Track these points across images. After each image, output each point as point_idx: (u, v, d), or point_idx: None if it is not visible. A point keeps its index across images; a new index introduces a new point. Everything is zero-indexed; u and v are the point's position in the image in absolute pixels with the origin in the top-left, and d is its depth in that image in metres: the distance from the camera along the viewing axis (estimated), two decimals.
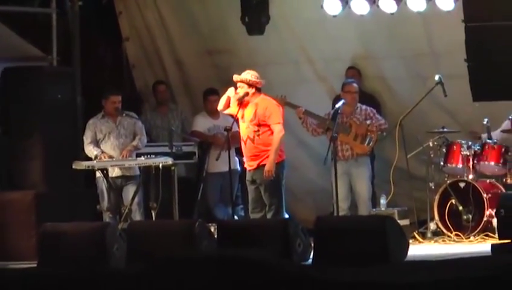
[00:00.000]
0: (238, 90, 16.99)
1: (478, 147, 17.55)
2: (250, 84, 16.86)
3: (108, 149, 17.93)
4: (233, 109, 17.16)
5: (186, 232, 15.93)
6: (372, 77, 19.60)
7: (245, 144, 17.14)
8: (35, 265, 15.79)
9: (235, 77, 17.11)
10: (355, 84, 18.08)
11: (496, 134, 17.91)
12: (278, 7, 20.10)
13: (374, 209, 17.55)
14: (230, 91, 17.15)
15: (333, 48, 19.92)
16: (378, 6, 18.31)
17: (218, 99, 18.02)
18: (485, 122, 17.21)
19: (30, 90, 19.25)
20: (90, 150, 18.01)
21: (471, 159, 17.52)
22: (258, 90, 16.99)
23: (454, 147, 17.65)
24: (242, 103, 16.99)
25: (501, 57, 16.65)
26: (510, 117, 17.45)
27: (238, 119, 17.24)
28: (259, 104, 16.96)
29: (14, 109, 19.50)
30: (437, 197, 17.43)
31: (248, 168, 17.05)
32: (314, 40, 20.14)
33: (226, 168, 17.53)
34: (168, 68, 21.41)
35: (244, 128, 17.07)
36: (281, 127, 16.91)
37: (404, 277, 14.25)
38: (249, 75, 17.05)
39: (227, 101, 17.23)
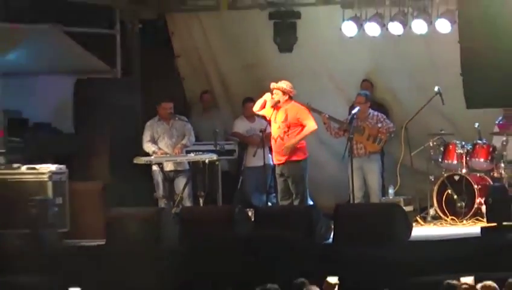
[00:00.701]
0: (274, 95, 17.41)
1: (470, 146, 17.91)
2: (284, 92, 17.28)
3: (163, 147, 18.33)
4: (267, 111, 17.57)
5: (228, 216, 16.48)
6: (382, 88, 19.84)
7: (275, 141, 17.45)
8: (103, 243, 16.30)
9: (273, 85, 17.44)
10: (362, 96, 18.30)
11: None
12: (304, 30, 20.49)
13: (384, 198, 18.02)
14: (267, 96, 17.50)
15: (350, 64, 20.04)
16: (387, 29, 18.68)
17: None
18: (476, 126, 17.61)
19: (98, 98, 19.62)
20: (148, 147, 18.44)
21: (464, 157, 17.84)
22: (290, 97, 17.36)
23: (450, 146, 18.03)
24: (275, 107, 17.45)
25: (490, 72, 16.19)
26: (496, 122, 18.12)
27: (270, 120, 17.57)
28: (290, 109, 17.38)
29: (85, 113, 19.90)
30: (436, 188, 17.89)
31: (277, 163, 17.51)
32: (334, 57, 20.36)
33: (261, 163, 17.93)
34: (213, 80, 21.51)
35: (276, 129, 17.40)
36: (314, 124, 17.55)
37: (408, 253, 14.70)
38: (284, 84, 17.48)
39: (263, 103, 17.57)
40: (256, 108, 17.77)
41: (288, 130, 17.37)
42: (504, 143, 17.87)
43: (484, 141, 17.84)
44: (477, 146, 17.91)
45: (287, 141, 17.36)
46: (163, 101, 18.73)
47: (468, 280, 9.74)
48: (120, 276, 14.35)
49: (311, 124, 17.55)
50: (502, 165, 17.71)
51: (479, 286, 9.37)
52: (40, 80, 21.25)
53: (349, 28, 18.90)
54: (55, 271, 14.85)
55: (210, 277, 13.67)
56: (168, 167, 18.61)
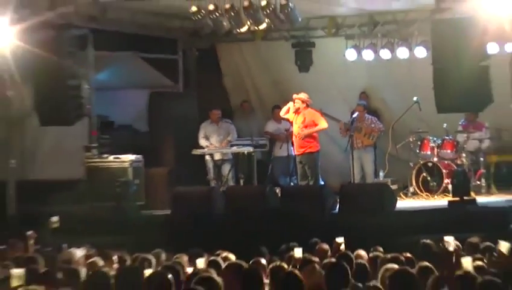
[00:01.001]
0: (295, 104, 18.24)
1: (440, 141, 18.61)
2: (303, 101, 18.17)
3: (213, 142, 19.31)
4: (290, 116, 18.41)
5: (261, 193, 17.59)
6: (375, 98, 20.75)
7: (296, 138, 18.46)
8: (169, 212, 17.78)
9: (295, 96, 18.35)
10: (360, 105, 19.34)
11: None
12: (317, 55, 20.99)
13: (376, 179, 18.85)
14: (290, 104, 18.38)
15: (351, 81, 20.94)
16: (379, 54, 19.56)
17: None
18: (444, 126, 18.51)
19: (165, 106, 21.26)
20: (202, 142, 19.47)
21: (435, 149, 18.62)
22: (307, 105, 18.27)
23: (425, 141, 18.80)
24: (296, 112, 18.30)
25: (455, 86, 15.75)
26: (460, 123, 19.00)
27: (292, 122, 18.48)
28: (307, 114, 18.22)
29: (156, 117, 21.40)
30: (414, 172, 18.64)
31: (297, 153, 18.51)
32: (340, 75, 21.14)
33: (286, 154, 19.26)
34: (250, 92, 22.36)
35: (296, 128, 18.30)
36: (326, 124, 18.52)
37: (394, 220, 16.24)
38: (303, 95, 18.39)
39: (288, 110, 18.45)
40: (282, 113, 18.72)
41: (303, 131, 18.43)
42: (465, 139, 18.89)
43: (450, 137, 18.73)
44: (445, 141, 18.73)
45: (303, 138, 18.53)
46: (213, 108, 19.96)
47: (450, 239, 10.07)
48: (182, 237, 15.29)
49: (323, 124, 18.42)
50: (464, 155, 18.59)
51: (449, 239, 9.83)
52: (123, 92, 23.14)
53: (350, 54, 19.83)
54: (133, 233, 16.16)
55: (248, 238, 14.60)
56: (217, 156, 19.64)
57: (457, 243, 10.75)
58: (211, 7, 16.87)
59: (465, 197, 16.25)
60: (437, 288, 7.36)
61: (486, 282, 6.70)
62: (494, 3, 15.49)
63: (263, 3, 16.54)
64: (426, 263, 8.76)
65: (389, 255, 10.15)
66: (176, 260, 10.59)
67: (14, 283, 8.63)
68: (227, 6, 16.74)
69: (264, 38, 20.86)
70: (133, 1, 19.05)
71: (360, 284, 7.83)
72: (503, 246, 9.85)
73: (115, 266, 10.71)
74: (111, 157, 18.95)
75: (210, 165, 19.37)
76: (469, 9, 15.77)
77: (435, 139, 18.66)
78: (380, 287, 7.52)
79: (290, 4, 16.48)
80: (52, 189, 18.57)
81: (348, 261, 9.09)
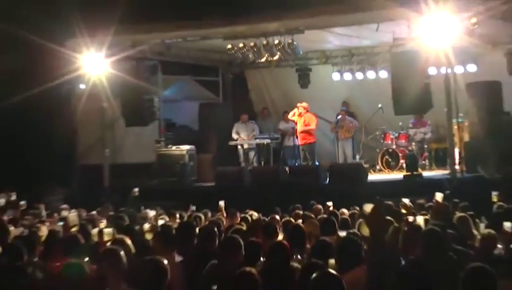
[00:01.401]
0: (299, 109, 19.28)
1: (397, 134, 19.45)
2: (304, 108, 19.13)
3: (242, 136, 19.89)
4: (295, 118, 19.24)
5: (276, 171, 18.42)
6: (353, 105, 21.04)
7: (299, 133, 19.22)
8: (213, 184, 18.54)
9: (299, 104, 19.46)
10: (342, 110, 19.99)
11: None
12: (313, 77, 21.47)
13: (353, 160, 19.48)
14: (295, 110, 19.35)
15: (336, 94, 21.38)
16: (355, 76, 20.51)
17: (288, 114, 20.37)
18: (400, 124, 19.24)
19: (211, 112, 22.01)
20: (235, 136, 20.03)
21: (394, 139, 19.40)
22: (307, 111, 19.21)
23: (387, 134, 19.55)
24: (299, 116, 19.18)
25: (407, 97, 15.95)
26: (410, 121, 19.31)
27: (296, 122, 19.23)
28: (307, 117, 19.19)
29: (204, 120, 22.04)
30: (379, 155, 19.36)
31: (300, 144, 19.37)
32: (328, 90, 21.60)
33: (292, 144, 19.54)
34: (267, 102, 22.78)
35: (299, 126, 19.15)
36: (314, 126, 19.34)
37: (367, 188, 16.53)
38: (304, 104, 19.28)
39: (294, 113, 19.31)
40: (289, 116, 19.60)
41: (304, 128, 19.26)
42: (414, 132, 19.32)
43: (404, 132, 19.36)
44: (401, 134, 19.46)
45: (304, 133, 19.26)
46: (242, 113, 20.63)
47: (406, 200, 11.76)
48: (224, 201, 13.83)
49: (313, 125, 19.32)
50: (413, 143, 19.19)
51: (406, 201, 11.57)
52: (182, 103, 23.80)
53: (335, 76, 20.89)
54: (189, 199, 15.61)
55: (266, 201, 14.67)
56: (245, 146, 20.23)
57: (410, 203, 11.70)
58: (241, 45, 17.64)
59: (414, 172, 17.03)
60: (396, 234, 7.58)
61: (429, 230, 6.90)
62: (432, 41, 15.46)
63: (276, 42, 17.20)
64: (389, 217, 8.88)
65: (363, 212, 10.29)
66: (218, 216, 11.32)
67: (106, 237, 9.05)
68: (252, 44, 17.46)
69: (277, 66, 21.25)
70: (187, 42, 19.31)
71: (344, 232, 8.02)
72: (438, 196, 10.56)
73: (177, 221, 11.35)
74: (173, 147, 19.65)
75: (240, 152, 20.14)
76: (416, 45, 16.00)
77: (394, 133, 19.50)
78: (358, 233, 7.88)
79: (294, 43, 17.10)
80: (134, 169, 19.40)
81: (335, 216, 9.90)
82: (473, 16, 15.12)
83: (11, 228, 9.99)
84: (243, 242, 7.28)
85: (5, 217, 11.97)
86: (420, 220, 9.00)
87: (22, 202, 14.64)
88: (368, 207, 7.84)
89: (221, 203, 12.44)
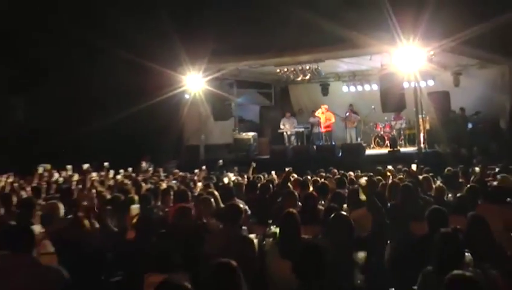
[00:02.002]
0: (322, 109, 19.04)
1: (383, 125, 19.22)
2: (326, 108, 18.86)
3: (287, 126, 19.33)
4: (320, 115, 19.00)
5: (307, 149, 18.48)
6: (355, 106, 19.81)
7: (322, 124, 18.89)
8: (268, 156, 18.51)
9: (322, 106, 19.33)
10: (349, 109, 19.35)
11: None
12: (331, 89, 21.30)
13: (357, 141, 18.83)
14: (319, 109, 19.13)
15: (345, 100, 20.51)
16: (356, 88, 20.52)
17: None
18: (385, 118, 19.12)
19: (266, 113, 22.30)
20: (282, 127, 19.45)
21: (382, 128, 19.21)
22: (328, 110, 18.86)
23: (377, 125, 19.46)
24: (322, 113, 18.93)
25: (390, 100, 16.45)
26: (392, 116, 18.93)
27: (320, 118, 18.94)
28: (327, 114, 18.88)
29: (263, 118, 22.43)
30: (373, 138, 19.26)
31: (323, 131, 18.95)
32: (340, 97, 20.99)
33: (318, 131, 19.41)
34: (302, 105, 22.27)
35: (323, 121, 18.82)
36: (334, 119, 18.89)
37: (365, 159, 16.63)
38: (326, 105, 19.03)
39: (319, 112, 18.92)
40: (316, 114, 19.27)
41: (325, 122, 18.93)
42: (395, 123, 19.00)
43: (388, 123, 19.15)
44: (386, 124, 19.20)
45: (325, 124, 18.91)
46: (287, 112, 20.23)
47: (390, 167, 12.14)
48: (274, 167, 14.41)
49: (332, 120, 18.91)
50: (394, 130, 18.93)
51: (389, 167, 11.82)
52: (249, 107, 22.93)
53: (344, 88, 20.88)
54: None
55: (302, 167, 14.28)
56: (288, 133, 19.68)
57: (392, 168, 12.08)
58: (285, 70, 18.05)
59: (395, 149, 17.19)
60: (383, 188, 7.79)
61: (405, 185, 6.81)
62: (405, 66, 15.58)
63: (307, 67, 17.65)
64: (379, 177, 9.64)
65: (363, 174, 11.13)
66: (272, 177, 11.20)
67: (199, 190, 9.27)
68: (292, 69, 17.86)
69: (308, 82, 20.60)
70: (252, 68, 19.22)
71: (350, 187, 8.29)
72: (413, 166, 10.53)
73: (245, 179, 11.23)
74: (244, 134, 19.85)
75: (285, 136, 19.83)
76: (395, 69, 15.87)
77: (381, 124, 19.56)
78: (358, 189, 7.50)
79: (319, 68, 17.60)
80: (219, 148, 19.81)
81: (345, 177, 9.91)
82: (432, 49, 15.37)
83: (143, 184, 10.15)
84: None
85: (140, 177, 12.53)
86: (399, 178, 9.33)
87: (150, 168, 15.98)
88: (363, 180, 8.25)
89: (273, 172, 12.49)
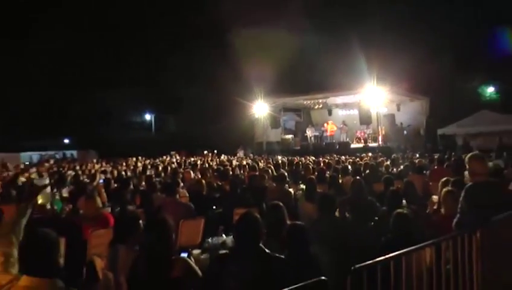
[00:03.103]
0: (329, 122, 22.81)
1: (360, 131, 22.68)
2: (331, 122, 22.82)
3: (309, 132, 22.72)
4: (327, 126, 22.78)
5: (320, 144, 22.10)
6: (346, 121, 23.38)
7: (329, 132, 22.58)
8: (299, 148, 21.19)
9: (329, 122, 22.97)
10: (343, 123, 21.97)
11: None
12: (333, 112, 25.18)
13: (346, 140, 22.08)
14: (326, 124, 22.80)
15: (340, 118, 24.20)
16: (348, 112, 23.97)
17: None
18: (361, 127, 22.29)
19: (299, 125, 25.43)
20: (307, 132, 22.64)
21: (359, 133, 22.74)
22: (332, 123, 22.70)
23: (357, 131, 22.96)
24: (327, 124, 22.76)
25: (364, 117, 19.85)
26: (365, 127, 21.63)
27: (327, 128, 22.73)
28: (331, 125, 22.80)
29: (297, 128, 25.61)
30: (355, 138, 22.60)
31: (329, 135, 22.69)
32: (337, 117, 24.52)
33: (326, 135, 22.73)
34: (318, 122, 25.08)
35: (329, 129, 22.68)
36: (335, 129, 22.13)
37: (351, 149, 18.92)
38: (331, 121, 22.87)
39: (328, 124, 22.47)
40: (325, 125, 23.07)
41: (330, 130, 22.73)
42: (366, 131, 22.11)
43: (362, 130, 22.33)
44: (362, 131, 22.34)
45: (330, 131, 22.63)
46: (309, 124, 23.80)
47: (364, 154, 12.99)
48: (308, 152, 16.68)
49: (334, 129, 22.56)
50: (366, 134, 22.22)
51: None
52: (288, 121, 26.01)
53: (340, 112, 24.80)
54: (293, 154, 17.82)
55: (316, 154, 15.78)
56: (310, 135, 22.80)
57: (365, 155, 13.54)
58: (308, 102, 23.52)
59: (366, 144, 20.94)
60: (360, 166, 8.07)
61: (371, 164, 7.26)
62: (373, 99, 19.45)
63: (319, 100, 23.15)
64: (358, 159, 10.97)
65: (349, 158, 12.36)
66: (302, 162, 10.89)
67: (262, 165, 9.88)
68: (312, 101, 23.27)
69: (320, 109, 24.87)
70: (291, 101, 23.49)
71: (342, 164, 8.49)
72: (370, 154, 11.71)
73: (286, 160, 11.64)
74: (286, 135, 23.74)
75: (308, 137, 22.97)
76: (366, 101, 19.88)
77: (359, 131, 23.01)
78: (347, 166, 7.95)
79: (326, 101, 23.08)
80: (274, 143, 23.35)
81: (339, 159, 11.01)
82: (386, 91, 19.52)
83: (214, 165, 11.22)
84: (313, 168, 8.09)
85: (234, 159, 14.32)
86: (368, 160, 10.32)
87: (242, 154, 19.57)
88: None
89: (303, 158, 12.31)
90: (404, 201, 5.23)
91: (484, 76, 30.13)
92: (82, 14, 28.68)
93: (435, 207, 4.92)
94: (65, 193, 7.59)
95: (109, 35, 30.24)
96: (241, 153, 21.27)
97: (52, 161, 19.10)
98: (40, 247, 2.14)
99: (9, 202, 5.86)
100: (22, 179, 9.18)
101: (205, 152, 18.74)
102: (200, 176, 8.37)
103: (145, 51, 32.24)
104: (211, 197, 6.57)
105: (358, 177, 5.85)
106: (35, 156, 26.72)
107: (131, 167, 12.58)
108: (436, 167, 8.52)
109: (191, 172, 8.78)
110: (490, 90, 32.17)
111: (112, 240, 3.49)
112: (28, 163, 19.50)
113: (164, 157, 17.87)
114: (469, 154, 3.86)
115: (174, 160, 15.97)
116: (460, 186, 4.09)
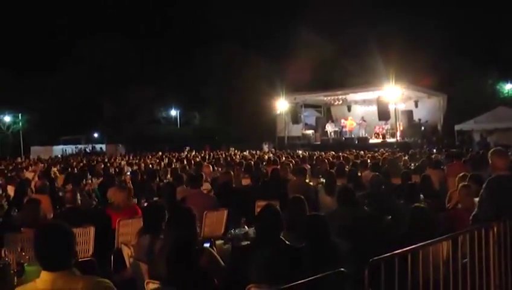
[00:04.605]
0: (348, 119, 22.99)
1: (379, 127, 22.41)
2: (351, 118, 22.83)
3: (329, 128, 22.93)
4: (346, 122, 23.00)
5: (339, 139, 22.12)
6: (365, 117, 23.20)
7: (349, 127, 22.79)
8: (319, 143, 21.34)
9: (348, 118, 23.01)
10: (362, 118, 22.10)
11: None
12: (352, 108, 24.78)
13: (365, 135, 22.11)
14: (346, 119, 22.92)
15: (359, 113, 23.89)
16: (367, 108, 23.43)
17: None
18: (380, 122, 22.01)
19: (319, 121, 25.42)
20: (327, 127, 22.81)
21: (379, 128, 22.45)
22: (352, 118, 22.76)
23: (376, 126, 22.67)
24: (346, 120, 22.99)
25: (383, 113, 19.59)
26: (384, 122, 21.30)
27: (346, 123, 22.98)
28: (350, 121, 23.00)
29: (317, 123, 25.48)
30: (373, 134, 22.45)
31: (348, 130, 22.86)
32: (357, 112, 24.24)
33: (346, 130, 22.99)
34: (338, 118, 25.13)
35: (348, 125, 22.96)
36: (355, 124, 22.36)
37: (370, 144, 19.41)
38: (350, 116, 22.94)
39: (346, 120, 22.78)
40: (345, 121, 23.26)
41: (349, 125, 22.91)
42: (384, 126, 22.01)
43: (381, 125, 22.25)
44: (380, 126, 22.37)
45: (349, 127, 22.83)
46: (329, 119, 23.96)
47: (382, 149, 13.73)
48: (327, 148, 17.40)
49: (354, 124, 22.78)
50: (384, 130, 22.07)
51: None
52: (309, 117, 25.96)
53: (360, 108, 24.50)
54: (313, 148, 18.83)
55: (335, 149, 16.07)
56: (330, 131, 22.99)
57: (383, 150, 14.23)
58: (329, 98, 22.99)
59: (384, 139, 21.16)
60: (379, 160, 8.00)
61: (390, 159, 7.38)
62: (391, 95, 19.36)
63: (340, 97, 22.38)
64: (377, 154, 10.76)
65: (368, 153, 12.43)
66: (321, 157, 10.81)
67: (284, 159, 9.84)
68: (332, 98, 22.74)
69: (340, 105, 24.26)
70: (311, 98, 23.38)
71: (361, 159, 8.32)
72: (388, 150, 11.72)
73: (307, 154, 11.90)
74: (307, 131, 24.02)
75: (328, 133, 23.28)
76: (385, 97, 19.70)
77: (378, 126, 22.79)
78: (367, 160, 7.79)
79: (346, 97, 22.50)
80: (295, 138, 23.86)
81: (358, 154, 10.75)
82: (403, 88, 19.64)
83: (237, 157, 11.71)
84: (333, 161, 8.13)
85: (261, 153, 15.31)
86: (386, 155, 10.25)
87: (267, 149, 20.08)
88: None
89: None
90: (421, 195, 5.19)
91: (502, 73, 30.11)
92: (117, 20, 32.58)
93: (453, 201, 4.89)
94: (95, 184, 7.76)
95: (138, 41, 32.99)
96: (265, 148, 21.95)
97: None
98: (50, 241, 2.07)
99: (45, 192, 6.15)
100: (54, 169, 9.59)
101: (231, 149, 19.32)
102: (220, 170, 8.49)
103: (171, 51, 33.49)
104: (238, 189, 6.59)
105: (377, 173, 5.82)
106: (68, 149, 28.54)
107: (157, 161, 12.85)
108: (453, 163, 8.40)
109: (210, 166, 8.93)
110: (508, 87, 32.02)
111: (140, 230, 3.53)
112: (59, 156, 21.20)
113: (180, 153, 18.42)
114: (491, 150, 3.86)
115: (187, 154, 16.47)
116: (478, 182, 4.10)
